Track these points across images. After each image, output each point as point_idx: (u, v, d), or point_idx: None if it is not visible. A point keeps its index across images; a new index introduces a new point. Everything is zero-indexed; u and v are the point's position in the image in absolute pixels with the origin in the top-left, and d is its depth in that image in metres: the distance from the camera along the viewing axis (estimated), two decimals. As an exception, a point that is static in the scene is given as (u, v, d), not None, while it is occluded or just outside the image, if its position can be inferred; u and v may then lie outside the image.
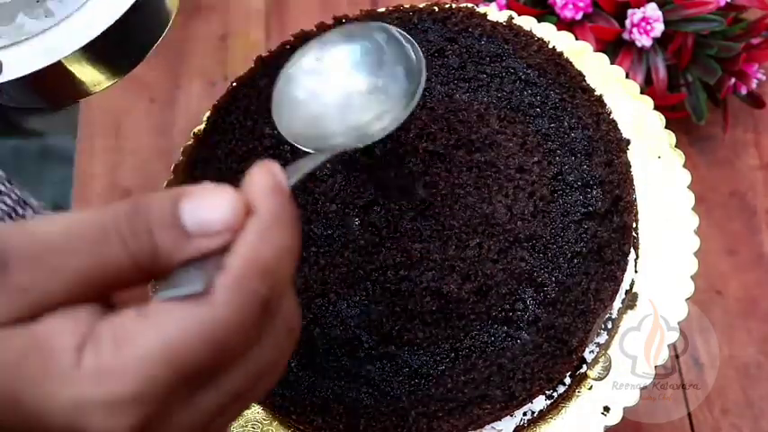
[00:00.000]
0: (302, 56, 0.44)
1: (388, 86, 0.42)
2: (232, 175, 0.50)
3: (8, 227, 0.28)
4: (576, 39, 0.54)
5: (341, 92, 0.42)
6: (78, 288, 0.27)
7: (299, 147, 0.41)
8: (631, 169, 0.48)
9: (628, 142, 0.49)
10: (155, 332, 0.25)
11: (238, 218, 0.27)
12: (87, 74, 0.46)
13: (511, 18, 0.53)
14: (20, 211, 0.66)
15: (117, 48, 0.46)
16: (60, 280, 0.26)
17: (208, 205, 0.27)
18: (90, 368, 0.25)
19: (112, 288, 0.28)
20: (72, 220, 0.27)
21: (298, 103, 0.42)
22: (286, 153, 0.50)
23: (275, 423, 0.45)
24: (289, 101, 0.42)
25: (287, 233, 0.28)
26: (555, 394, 0.44)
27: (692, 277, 0.45)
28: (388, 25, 0.44)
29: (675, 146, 0.49)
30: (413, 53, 0.42)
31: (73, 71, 0.45)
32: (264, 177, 0.29)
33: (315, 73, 0.43)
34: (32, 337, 0.26)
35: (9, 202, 0.65)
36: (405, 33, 0.43)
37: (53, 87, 0.47)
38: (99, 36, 0.43)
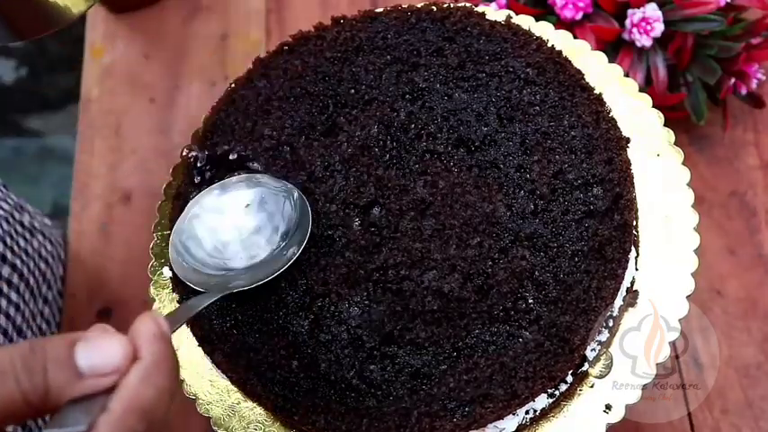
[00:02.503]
0: (205, 196, 0.48)
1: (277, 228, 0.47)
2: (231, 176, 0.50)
3: None
4: (575, 38, 0.54)
5: (235, 230, 0.47)
6: None
7: (191, 286, 0.45)
8: (631, 167, 0.48)
9: (628, 140, 0.49)
10: None
11: (126, 362, 0.31)
12: None
13: (509, 17, 0.53)
14: (17, 216, 0.66)
15: None
16: None
17: (100, 350, 0.31)
18: None
19: (5, 423, 0.30)
20: None
21: (199, 240, 0.47)
22: (285, 153, 0.50)
23: (277, 424, 0.45)
24: (192, 237, 0.47)
25: (165, 377, 0.32)
26: (557, 392, 0.44)
27: (692, 274, 0.45)
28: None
29: (674, 144, 0.49)
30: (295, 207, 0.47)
31: None
32: (149, 326, 0.32)
33: (215, 211, 0.48)
34: None
35: (6, 207, 0.65)
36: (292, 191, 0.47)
37: (21, 13, 0.43)
38: None
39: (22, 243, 0.64)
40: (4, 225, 0.62)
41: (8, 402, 0.29)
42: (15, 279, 0.61)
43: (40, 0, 0.42)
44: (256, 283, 0.44)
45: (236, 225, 0.47)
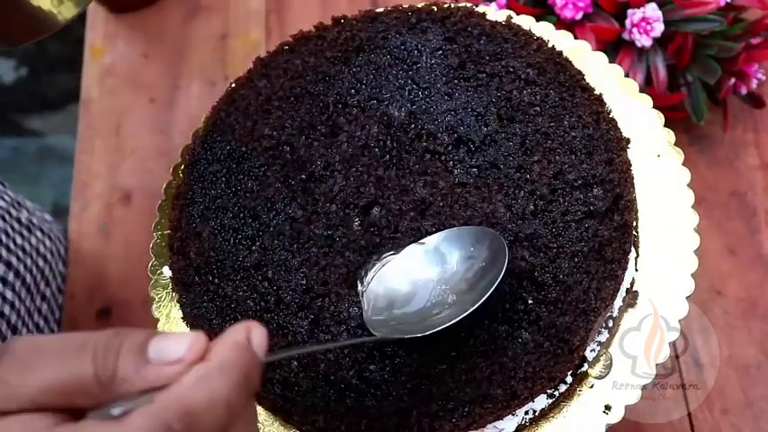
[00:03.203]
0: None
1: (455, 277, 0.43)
2: (232, 176, 0.50)
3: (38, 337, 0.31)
4: (576, 38, 0.54)
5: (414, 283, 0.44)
6: (44, 394, 0.29)
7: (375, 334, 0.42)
8: (631, 168, 0.48)
9: (628, 141, 0.49)
10: None
11: (191, 355, 0.30)
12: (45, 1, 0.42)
13: (510, 17, 0.53)
14: (14, 212, 0.66)
15: None
16: (31, 384, 0.29)
17: (172, 340, 0.31)
18: None
19: (75, 400, 0.30)
20: (69, 334, 0.31)
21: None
22: (285, 153, 0.50)
23: (276, 424, 0.45)
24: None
25: (227, 387, 0.30)
26: (556, 393, 0.44)
27: (692, 275, 0.45)
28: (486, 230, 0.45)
29: (675, 144, 0.49)
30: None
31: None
32: (237, 332, 0.32)
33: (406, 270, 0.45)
34: None
35: (2, 204, 0.65)
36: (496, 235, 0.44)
37: (9, 18, 0.43)
38: None
39: (18, 240, 0.64)
40: (0, 223, 0.63)
41: (82, 377, 0.29)
42: (11, 277, 0.61)
43: (27, 6, 0.42)
44: (429, 330, 0.41)
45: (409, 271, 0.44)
